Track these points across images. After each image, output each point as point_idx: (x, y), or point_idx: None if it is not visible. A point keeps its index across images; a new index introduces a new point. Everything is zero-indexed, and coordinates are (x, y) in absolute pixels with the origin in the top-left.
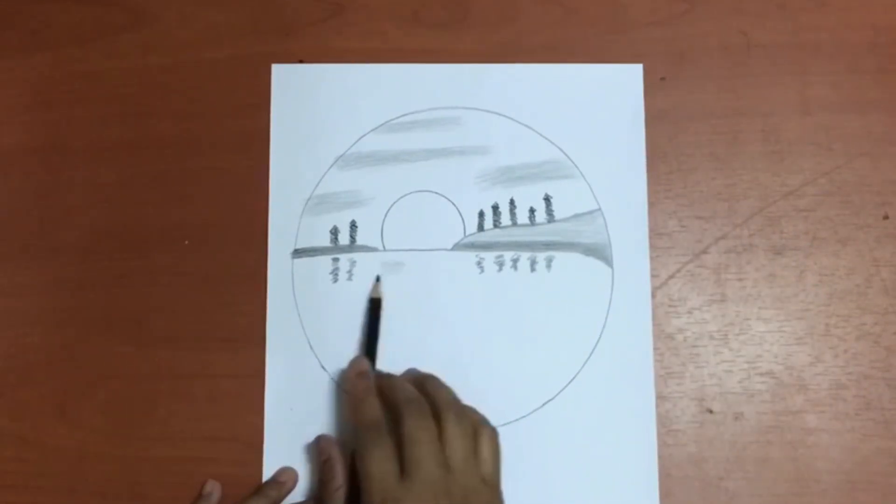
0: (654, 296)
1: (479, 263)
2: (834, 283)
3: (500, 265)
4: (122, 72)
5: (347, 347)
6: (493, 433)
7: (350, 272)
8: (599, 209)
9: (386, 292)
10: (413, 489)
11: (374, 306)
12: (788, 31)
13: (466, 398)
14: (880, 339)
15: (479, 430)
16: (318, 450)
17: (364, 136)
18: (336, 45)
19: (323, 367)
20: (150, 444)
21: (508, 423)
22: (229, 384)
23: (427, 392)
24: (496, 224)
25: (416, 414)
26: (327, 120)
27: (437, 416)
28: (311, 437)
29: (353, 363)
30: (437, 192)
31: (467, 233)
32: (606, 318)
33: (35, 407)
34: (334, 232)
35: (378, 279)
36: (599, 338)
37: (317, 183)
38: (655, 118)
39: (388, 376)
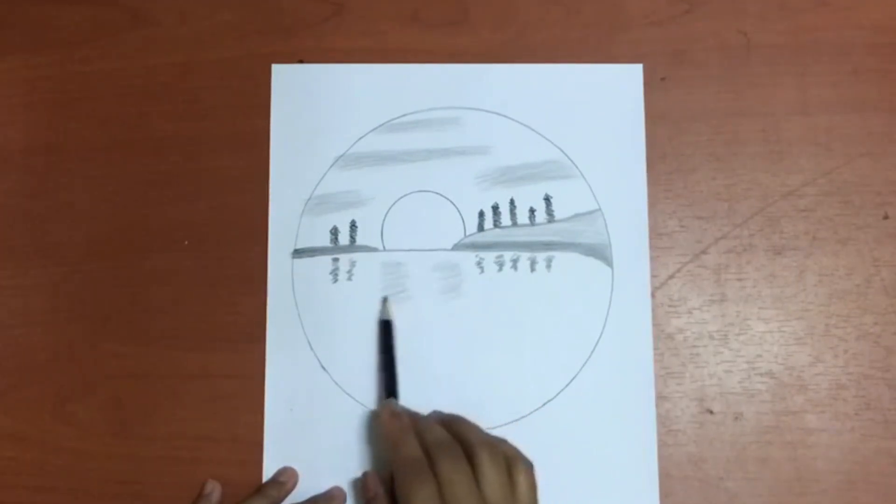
0: (653, 296)
1: (479, 263)
2: (834, 283)
3: (500, 265)
4: (122, 72)
5: (347, 347)
6: (529, 466)
7: (350, 272)
8: (599, 209)
9: (386, 292)
10: None
11: (386, 328)
12: (788, 31)
13: (466, 399)
14: (880, 339)
15: (513, 464)
16: (363, 486)
17: (364, 136)
18: (336, 45)
19: (323, 367)
20: (150, 444)
21: (508, 424)
22: (229, 384)
23: (456, 432)
24: (496, 224)
25: (449, 456)
26: (327, 120)
27: (470, 456)
28: (311, 437)
29: (384, 403)
30: (437, 192)
31: (467, 233)
32: (606, 318)
33: (35, 407)
34: (334, 232)
35: (385, 300)
36: (599, 338)
37: (317, 183)
38: (655, 118)
39: (417, 418)
